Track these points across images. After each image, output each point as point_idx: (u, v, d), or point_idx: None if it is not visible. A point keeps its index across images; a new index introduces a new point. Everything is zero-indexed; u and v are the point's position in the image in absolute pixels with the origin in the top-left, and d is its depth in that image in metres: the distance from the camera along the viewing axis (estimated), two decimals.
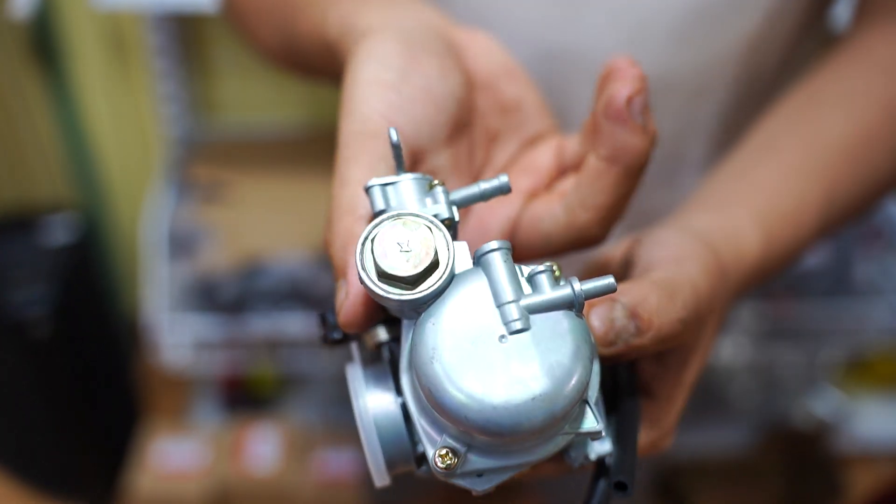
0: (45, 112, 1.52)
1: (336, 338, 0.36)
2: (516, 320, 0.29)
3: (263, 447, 1.51)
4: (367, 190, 0.33)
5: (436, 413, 0.30)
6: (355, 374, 0.34)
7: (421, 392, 0.30)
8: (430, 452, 0.31)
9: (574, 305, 0.30)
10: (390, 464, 0.34)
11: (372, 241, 0.30)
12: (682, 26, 0.52)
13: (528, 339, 0.29)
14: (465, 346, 0.29)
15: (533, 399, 0.28)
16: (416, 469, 0.35)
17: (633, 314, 0.33)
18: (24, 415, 1.41)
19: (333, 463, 1.48)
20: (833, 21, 0.60)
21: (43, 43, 1.42)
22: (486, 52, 0.41)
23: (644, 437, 0.37)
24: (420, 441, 0.32)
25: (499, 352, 0.29)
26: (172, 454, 1.48)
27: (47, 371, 1.36)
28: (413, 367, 0.30)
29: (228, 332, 1.29)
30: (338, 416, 1.59)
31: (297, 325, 1.29)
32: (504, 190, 0.33)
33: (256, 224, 1.36)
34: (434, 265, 0.30)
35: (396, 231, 0.30)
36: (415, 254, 0.30)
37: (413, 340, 0.30)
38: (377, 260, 0.30)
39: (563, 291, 0.30)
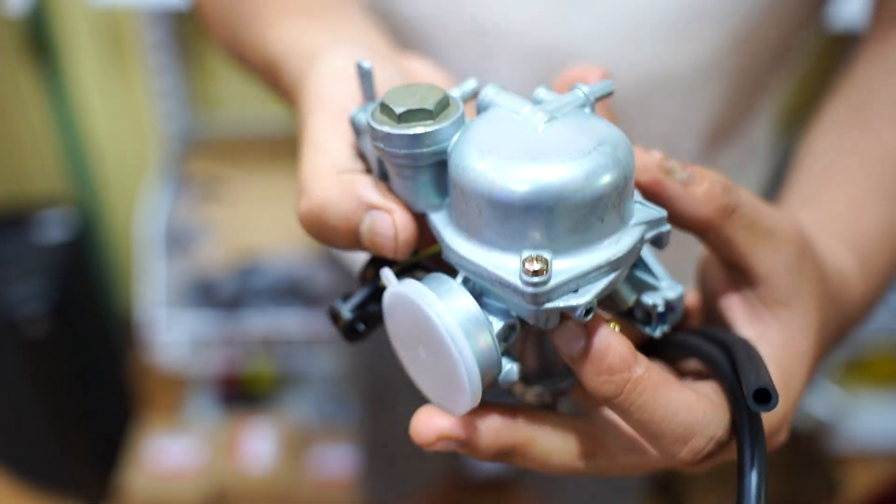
0: (41, 108, 1.52)
1: (361, 330, 0.36)
2: (545, 114, 0.30)
3: (260, 445, 1.50)
4: (352, 119, 0.33)
5: (510, 223, 0.28)
6: (415, 287, 0.31)
7: (485, 219, 0.29)
8: (515, 280, 0.28)
9: (587, 104, 0.31)
10: (483, 372, 0.30)
11: (380, 105, 0.30)
12: (675, 25, 0.51)
13: (564, 124, 0.29)
14: (511, 143, 0.29)
15: (598, 146, 0.28)
16: (500, 377, 0.32)
17: (686, 165, 0.33)
18: (18, 412, 1.41)
19: (330, 461, 1.47)
20: (829, 20, 0.60)
21: (38, 39, 1.41)
22: (431, 75, 0.41)
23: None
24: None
25: (543, 137, 0.29)
26: (168, 452, 1.48)
27: (42, 368, 1.35)
28: (465, 196, 0.29)
29: (225, 330, 1.29)
30: (334, 413, 1.59)
31: (294, 322, 1.29)
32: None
33: (253, 221, 1.36)
34: (446, 99, 0.30)
35: (401, 90, 0.31)
36: (425, 95, 0.30)
37: (456, 168, 0.29)
38: (392, 107, 0.30)
39: (574, 93, 0.31)
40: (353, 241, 0.33)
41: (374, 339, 0.89)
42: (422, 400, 0.84)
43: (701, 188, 0.32)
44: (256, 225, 1.36)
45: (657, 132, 0.56)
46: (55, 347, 1.34)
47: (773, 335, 0.34)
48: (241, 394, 1.63)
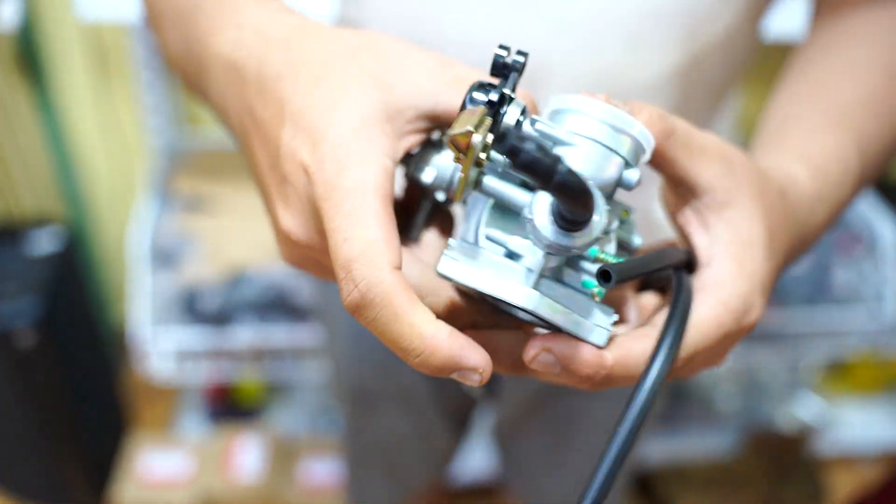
0: (30, 124, 1.53)
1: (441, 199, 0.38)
2: None
3: (249, 457, 1.51)
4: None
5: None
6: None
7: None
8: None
9: None
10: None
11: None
12: (633, 32, 0.53)
13: None
14: None
15: None
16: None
17: (626, 102, 0.37)
18: (9, 426, 1.41)
19: (318, 471, 1.48)
20: (764, 30, 0.62)
21: (28, 55, 1.43)
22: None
23: (720, 308, 0.37)
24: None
25: None
26: (158, 465, 1.49)
27: (33, 382, 1.36)
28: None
29: (213, 343, 1.30)
30: (322, 424, 1.60)
31: (282, 334, 1.30)
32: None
33: (240, 234, 1.37)
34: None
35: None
36: None
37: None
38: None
39: None
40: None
41: (352, 348, 0.90)
42: (402, 408, 0.86)
43: (642, 117, 0.36)
44: (244, 238, 1.37)
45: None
46: (45, 361, 1.35)
47: (721, 233, 0.38)
48: (230, 406, 1.64)
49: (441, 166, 0.38)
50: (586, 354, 0.34)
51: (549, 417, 0.86)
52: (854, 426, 1.73)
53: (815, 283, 1.45)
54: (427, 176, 0.38)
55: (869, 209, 1.41)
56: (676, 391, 1.62)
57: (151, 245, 1.27)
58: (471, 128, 0.29)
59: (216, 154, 1.47)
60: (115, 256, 1.73)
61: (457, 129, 0.29)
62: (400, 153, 0.36)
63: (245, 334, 1.30)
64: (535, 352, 0.34)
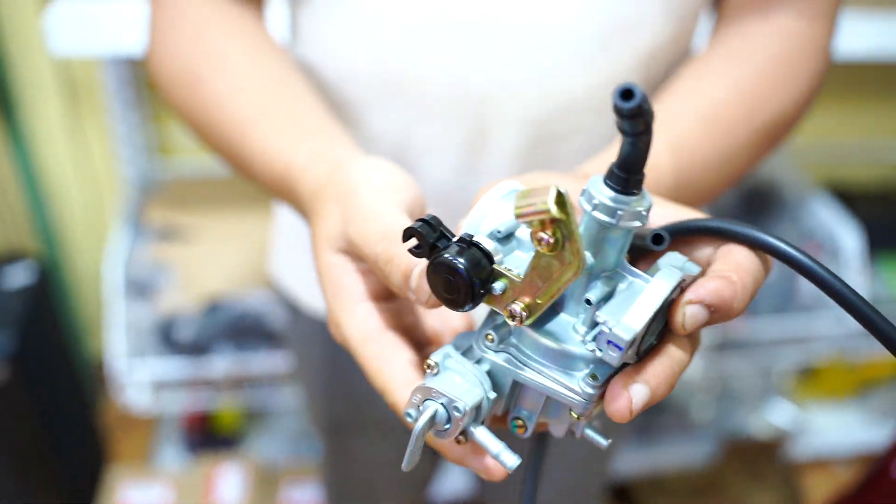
0: (1, 158, 1.52)
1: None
2: None
3: (229, 486, 1.50)
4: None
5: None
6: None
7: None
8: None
9: None
10: None
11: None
12: (585, 49, 0.56)
13: None
14: None
15: None
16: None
17: None
18: None
19: (300, 498, 1.48)
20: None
21: None
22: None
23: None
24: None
25: None
26: (138, 497, 1.47)
27: (7, 416, 1.34)
28: None
29: (190, 372, 1.30)
30: (302, 450, 1.59)
31: (259, 361, 1.30)
32: None
33: (215, 262, 1.37)
34: None
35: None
36: None
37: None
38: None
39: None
40: None
41: (326, 380, 0.90)
42: (379, 436, 0.88)
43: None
44: (219, 267, 1.37)
45: (579, 149, 0.61)
46: (19, 394, 1.33)
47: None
48: (209, 435, 1.63)
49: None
50: (714, 283, 0.36)
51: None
52: (827, 430, 1.76)
53: (783, 292, 1.49)
54: None
55: (831, 217, 1.45)
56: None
57: (125, 276, 1.27)
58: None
59: (188, 183, 1.47)
60: (90, 288, 1.72)
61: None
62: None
63: (222, 362, 1.30)
64: (684, 311, 0.36)
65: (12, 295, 1.40)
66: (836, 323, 1.44)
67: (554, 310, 0.37)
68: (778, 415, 1.73)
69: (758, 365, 1.54)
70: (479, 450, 0.38)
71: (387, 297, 0.44)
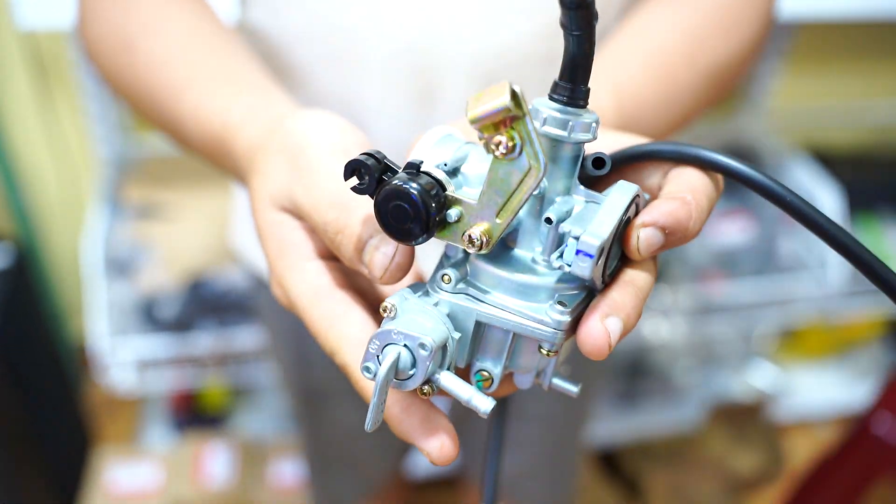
0: None
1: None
2: None
3: (218, 463, 1.50)
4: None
5: None
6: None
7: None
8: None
9: None
10: None
11: None
12: None
13: None
14: None
15: None
16: None
17: None
18: None
19: (289, 473, 1.48)
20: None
21: None
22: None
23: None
24: None
25: None
26: (126, 478, 1.47)
27: None
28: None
29: (174, 350, 1.29)
30: (291, 425, 1.59)
31: (244, 337, 1.30)
32: None
33: (195, 239, 1.36)
34: None
35: None
36: None
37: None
38: None
39: None
40: None
41: (297, 348, 0.90)
42: (353, 402, 0.87)
43: None
44: (199, 243, 1.36)
45: (546, 52, 0.60)
46: (0, 378, 1.32)
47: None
48: (196, 413, 1.63)
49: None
50: (668, 205, 0.35)
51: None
52: (808, 391, 1.79)
53: (762, 255, 1.50)
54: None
55: (810, 179, 1.45)
56: (634, 369, 1.66)
57: (105, 255, 1.25)
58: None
59: (166, 160, 1.46)
60: (69, 269, 1.70)
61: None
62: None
63: (206, 339, 1.29)
64: (638, 234, 0.35)
65: None
66: (817, 284, 1.45)
67: (506, 246, 0.36)
68: (760, 377, 1.75)
69: (739, 328, 1.56)
70: (431, 426, 0.36)
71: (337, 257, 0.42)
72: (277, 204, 0.41)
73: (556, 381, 0.39)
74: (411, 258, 0.37)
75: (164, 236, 1.35)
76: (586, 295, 0.35)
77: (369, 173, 0.33)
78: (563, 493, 0.99)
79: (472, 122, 0.30)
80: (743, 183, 0.35)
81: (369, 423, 0.34)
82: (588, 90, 0.33)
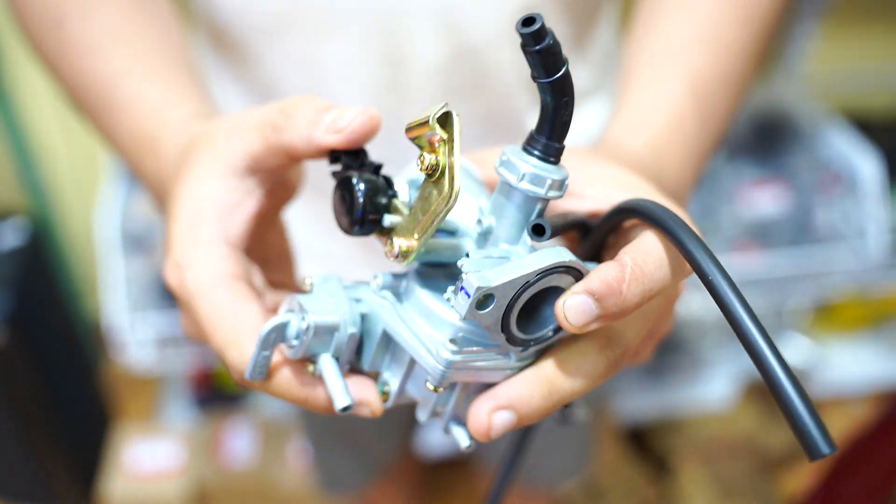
0: None
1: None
2: None
3: (239, 441, 1.48)
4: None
5: None
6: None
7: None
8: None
9: None
10: None
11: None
12: None
13: None
14: None
15: None
16: None
17: None
18: None
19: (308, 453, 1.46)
20: None
21: None
22: None
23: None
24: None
25: None
26: (147, 457, 1.46)
27: (8, 379, 1.32)
28: None
29: None
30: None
31: None
32: None
33: None
34: None
35: None
36: None
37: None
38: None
39: None
40: None
41: None
42: None
43: None
44: None
45: (506, 60, 0.58)
46: (19, 355, 1.31)
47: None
48: (216, 391, 1.61)
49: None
50: (603, 268, 0.31)
51: None
52: (843, 366, 1.74)
53: (798, 225, 1.45)
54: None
55: (848, 146, 1.40)
56: (663, 344, 1.62)
57: (121, 230, 1.23)
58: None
59: None
60: (85, 245, 1.68)
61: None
62: (249, 211, 0.39)
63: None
64: (565, 300, 0.32)
65: (5, 256, 1.37)
66: (855, 256, 1.40)
67: (453, 274, 0.36)
68: (793, 352, 1.70)
69: (772, 301, 1.51)
70: (309, 385, 0.36)
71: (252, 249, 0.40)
72: (233, 168, 0.38)
73: (453, 428, 0.38)
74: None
75: None
76: (494, 348, 0.34)
77: (344, 163, 0.36)
78: (578, 471, 0.97)
79: (406, 131, 0.33)
80: (685, 258, 0.32)
81: (247, 373, 0.35)
82: (562, 148, 0.33)
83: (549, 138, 0.32)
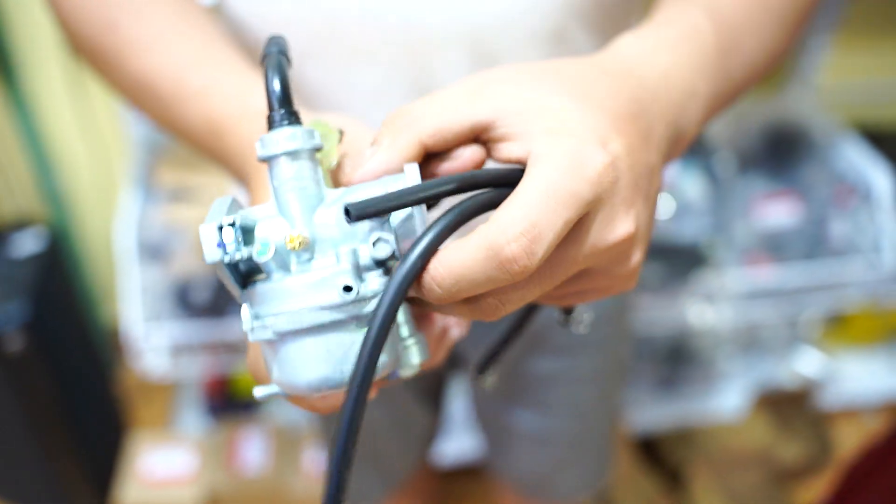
0: (5, 123, 1.49)
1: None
2: None
3: (252, 449, 1.49)
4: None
5: None
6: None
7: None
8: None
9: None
10: None
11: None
12: None
13: None
14: None
15: None
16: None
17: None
18: (3, 431, 1.38)
19: (323, 461, 1.47)
20: None
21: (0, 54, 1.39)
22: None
23: (538, 170, 0.34)
24: None
25: None
26: (161, 463, 1.46)
27: (25, 385, 1.33)
28: None
29: (208, 335, 1.27)
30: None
31: None
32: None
33: None
34: None
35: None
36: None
37: None
38: None
39: None
40: None
41: None
42: (373, 399, 0.83)
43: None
44: None
45: (552, 27, 0.56)
46: (36, 362, 1.32)
47: (528, 130, 0.37)
48: (230, 399, 1.62)
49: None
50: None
51: (524, 387, 0.83)
52: (856, 378, 1.74)
53: (812, 238, 1.45)
54: None
55: (861, 159, 1.40)
56: (677, 355, 1.62)
57: (138, 239, 1.24)
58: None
59: None
60: (102, 253, 1.70)
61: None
62: None
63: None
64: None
65: (23, 263, 1.38)
66: (870, 268, 1.40)
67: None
68: (806, 363, 1.70)
69: (785, 313, 1.51)
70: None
71: None
72: None
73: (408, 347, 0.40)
74: None
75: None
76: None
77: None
78: (594, 485, 0.96)
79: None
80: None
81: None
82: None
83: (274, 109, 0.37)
